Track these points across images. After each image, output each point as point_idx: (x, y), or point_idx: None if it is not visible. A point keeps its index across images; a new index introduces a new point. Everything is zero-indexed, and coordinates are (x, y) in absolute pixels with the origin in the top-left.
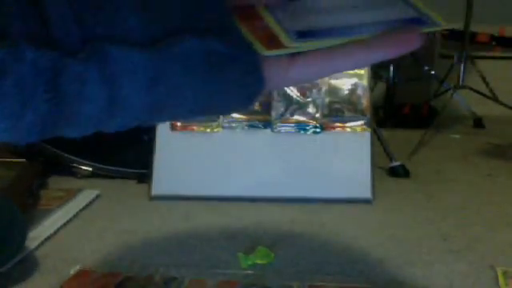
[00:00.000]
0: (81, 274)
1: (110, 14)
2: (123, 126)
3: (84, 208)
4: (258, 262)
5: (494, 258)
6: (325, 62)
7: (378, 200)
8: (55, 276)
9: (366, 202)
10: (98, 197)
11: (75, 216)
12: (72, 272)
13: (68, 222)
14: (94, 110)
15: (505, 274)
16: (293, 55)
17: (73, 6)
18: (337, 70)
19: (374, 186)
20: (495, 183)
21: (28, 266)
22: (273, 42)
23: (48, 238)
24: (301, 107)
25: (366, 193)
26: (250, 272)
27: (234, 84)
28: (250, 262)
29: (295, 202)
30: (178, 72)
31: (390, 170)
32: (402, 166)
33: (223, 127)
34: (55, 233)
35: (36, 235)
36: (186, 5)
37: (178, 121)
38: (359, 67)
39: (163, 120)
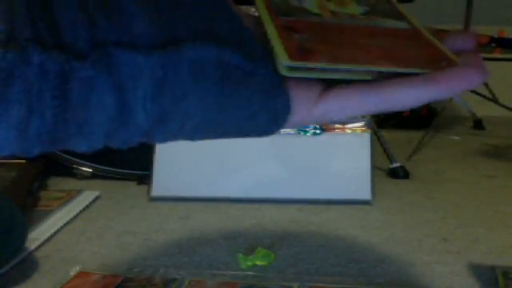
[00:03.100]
0: (81, 275)
1: (120, 18)
2: (129, 140)
3: (84, 209)
4: (258, 262)
5: (494, 259)
6: (361, 98)
7: (377, 201)
8: (55, 277)
9: (365, 203)
10: (97, 198)
11: (75, 217)
12: (72, 273)
13: (68, 223)
14: (103, 119)
15: (504, 274)
16: (325, 89)
17: (82, 11)
18: (374, 110)
19: (373, 187)
20: (495, 184)
21: (28, 267)
22: (302, 53)
23: (48, 239)
24: None
25: (366, 194)
26: (249, 273)
27: (251, 101)
28: (249, 263)
29: (295, 203)
30: (185, 79)
31: (389, 171)
32: (402, 168)
33: None
34: (55, 234)
35: (36, 236)
36: (198, 13)
37: (187, 140)
38: (403, 107)
39: (168, 135)
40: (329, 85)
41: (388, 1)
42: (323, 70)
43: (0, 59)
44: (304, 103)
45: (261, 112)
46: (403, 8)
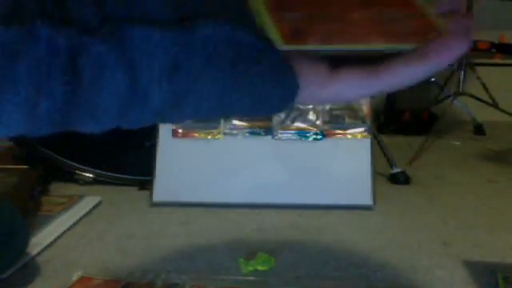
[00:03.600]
0: (82, 280)
1: None
2: (142, 119)
3: (86, 214)
4: (259, 267)
5: (494, 263)
6: (367, 78)
7: (378, 205)
8: (57, 282)
9: (366, 208)
10: (99, 203)
11: (77, 222)
12: (74, 278)
13: (70, 228)
14: (114, 98)
15: (505, 279)
16: (332, 69)
17: None
18: (377, 90)
19: (374, 192)
20: (495, 189)
21: (30, 271)
22: (296, 36)
23: (50, 244)
24: (301, 114)
25: (367, 199)
26: (250, 278)
27: (263, 79)
28: (250, 268)
29: (296, 208)
30: (199, 58)
31: (390, 176)
32: (403, 173)
33: (224, 134)
34: (57, 239)
35: (38, 241)
36: None
37: (199, 119)
38: (402, 85)
39: (183, 116)
40: (334, 62)
41: None
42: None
43: (3, 34)
44: (312, 80)
45: (273, 90)
46: None
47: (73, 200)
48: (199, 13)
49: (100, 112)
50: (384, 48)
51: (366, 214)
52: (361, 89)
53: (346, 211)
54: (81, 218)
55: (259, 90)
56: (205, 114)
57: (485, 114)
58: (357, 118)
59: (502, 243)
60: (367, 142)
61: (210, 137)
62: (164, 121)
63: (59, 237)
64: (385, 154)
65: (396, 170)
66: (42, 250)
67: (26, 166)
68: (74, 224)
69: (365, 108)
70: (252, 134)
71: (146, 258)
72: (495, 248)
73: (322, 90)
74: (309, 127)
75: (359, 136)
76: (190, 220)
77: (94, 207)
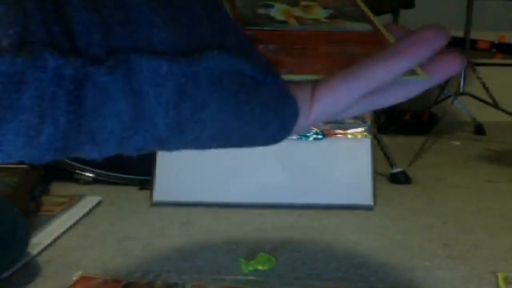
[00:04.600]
0: (83, 279)
1: (139, 25)
2: (142, 147)
3: (86, 214)
4: (259, 267)
5: (495, 264)
6: (347, 85)
7: (378, 206)
8: (57, 282)
9: (367, 208)
10: (99, 203)
11: (77, 222)
12: (74, 278)
13: (70, 227)
14: (117, 126)
15: (506, 279)
16: (313, 87)
17: (100, 16)
18: (362, 91)
19: (374, 193)
20: (495, 189)
21: (30, 271)
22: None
23: (50, 244)
24: None
25: (367, 199)
26: (251, 278)
27: (264, 110)
28: (251, 268)
29: (296, 209)
30: (205, 88)
31: (390, 176)
32: (403, 173)
33: None
34: (57, 239)
35: (38, 241)
36: (209, 25)
37: (195, 148)
38: (385, 81)
39: (182, 144)
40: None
41: (354, 2)
42: None
43: (9, 64)
44: (301, 108)
45: (272, 120)
46: (368, 9)
47: (73, 200)
48: (203, 44)
49: (102, 139)
50: None
51: (366, 215)
52: (349, 92)
53: (347, 211)
54: (81, 218)
55: (259, 121)
56: (203, 142)
57: (485, 114)
58: (357, 118)
59: (502, 244)
60: (367, 142)
61: None
62: (162, 148)
63: (59, 237)
64: (385, 154)
65: (396, 170)
66: (43, 250)
67: (26, 166)
68: (75, 224)
69: None
70: None
71: (146, 257)
72: (496, 248)
73: (310, 113)
74: None
75: (359, 136)
76: (190, 220)
77: (95, 207)
